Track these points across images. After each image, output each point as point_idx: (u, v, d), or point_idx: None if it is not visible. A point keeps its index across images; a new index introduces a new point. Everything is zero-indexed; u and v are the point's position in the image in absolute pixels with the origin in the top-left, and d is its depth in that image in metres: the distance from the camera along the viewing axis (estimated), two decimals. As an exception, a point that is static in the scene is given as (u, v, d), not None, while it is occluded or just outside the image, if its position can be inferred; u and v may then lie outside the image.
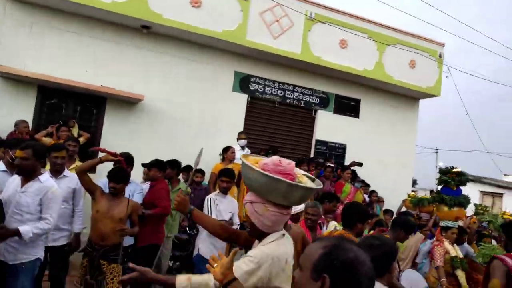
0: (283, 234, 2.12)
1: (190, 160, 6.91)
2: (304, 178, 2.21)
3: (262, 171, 2.00)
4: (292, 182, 2.01)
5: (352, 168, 8.29)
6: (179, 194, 2.43)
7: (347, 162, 9.15)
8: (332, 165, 8.14)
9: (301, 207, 4.71)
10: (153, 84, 7.57)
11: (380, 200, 8.66)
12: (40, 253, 3.37)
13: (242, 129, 8.08)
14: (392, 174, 9.51)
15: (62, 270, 4.22)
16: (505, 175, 24.56)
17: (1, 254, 3.17)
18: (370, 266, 1.29)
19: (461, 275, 5.03)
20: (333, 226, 4.81)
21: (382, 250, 2.25)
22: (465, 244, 5.97)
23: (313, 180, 2.28)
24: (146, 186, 5.12)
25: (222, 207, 4.62)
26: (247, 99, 8.42)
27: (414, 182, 13.09)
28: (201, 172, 6.51)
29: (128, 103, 7.42)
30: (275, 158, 2.10)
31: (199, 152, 2.78)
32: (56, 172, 4.14)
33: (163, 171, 5.03)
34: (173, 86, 7.75)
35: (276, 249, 1.99)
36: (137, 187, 4.95)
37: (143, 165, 5.62)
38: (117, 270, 3.73)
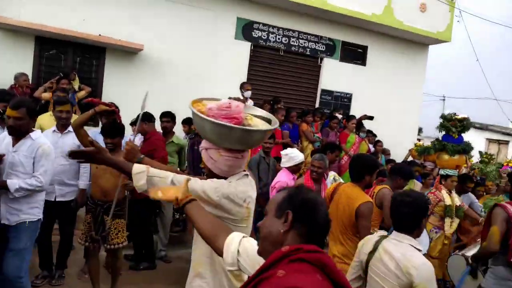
0: (246, 175, 2.13)
1: (189, 113, 6.90)
2: (254, 120, 2.17)
3: (212, 120, 1.94)
4: (246, 128, 1.99)
5: (363, 121, 8.19)
6: (127, 142, 2.29)
7: (352, 111, 9.02)
8: (339, 116, 8.01)
9: (300, 158, 4.69)
10: (153, 33, 7.30)
11: (387, 153, 8.62)
12: (41, 215, 3.36)
13: (245, 79, 7.89)
14: (398, 122, 9.39)
15: (70, 224, 4.30)
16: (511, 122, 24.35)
17: (4, 217, 3.17)
18: (326, 212, 1.40)
19: (447, 223, 5.11)
20: (332, 176, 4.84)
21: (414, 206, 2.27)
22: (470, 194, 5.99)
23: (269, 121, 2.22)
24: (138, 138, 5.05)
25: None
26: (250, 47, 8.15)
27: (420, 130, 13.00)
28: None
29: (128, 53, 7.21)
30: (223, 101, 2.04)
31: (144, 95, 2.68)
32: (62, 127, 4.08)
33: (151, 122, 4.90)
34: (174, 34, 7.49)
35: (235, 187, 1.99)
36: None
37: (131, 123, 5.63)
38: (121, 225, 3.78)
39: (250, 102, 7.49)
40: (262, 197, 4.67)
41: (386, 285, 2.25)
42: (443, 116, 5.81)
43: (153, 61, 7.38)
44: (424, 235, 4.61)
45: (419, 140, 12.55)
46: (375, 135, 8.55)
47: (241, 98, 7.36)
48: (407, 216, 2.29)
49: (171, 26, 7.46)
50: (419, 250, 2.28)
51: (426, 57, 9.95)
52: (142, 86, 7.24)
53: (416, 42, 9.59)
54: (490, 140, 17.64)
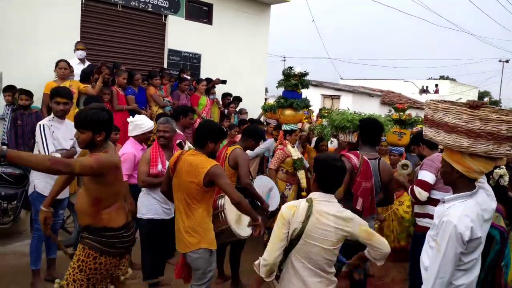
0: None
1: (9, 81, 5.70)
2: None
3: None
4: None
5: (216, 85, 8.02)
6: None
7: (202, 72, 8.80)
8: (188, 77, 7.70)
9: (148, 126, 4.25)
10: None
11: (243, 112, 8.70)
12: None
13: (78, 38, 6.84)
14: (246, 82, 9.53)
15: None
16: (341, 78, 27.77)
17: None
18: None
19: (302, 176, 5.47)
20: (187, 147, 4.57)
21: (343, 170, 2.53)
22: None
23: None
24: None
25: (60, 134, 3.87)
26: (81, 1, 7.03)
27: (265, 90, 13.65)
28: (28, 93, 5.32)
29: None
30: None
31: None
32: None
33: None
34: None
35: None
36: None
37: None
38: None
39: (87, 64, 6.59)
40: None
41: (325, 245, 2.38)
42: (284, 73, 6.00)
43: None
44: (276, 194, 4.79)
45: (266, 99, 13.18)
46: (231, 96, 8.49)
47: (78, 61, 6.42)
48: (337, 178, 2.50)
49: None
50: None
51: (269, 17, 10.22)
52: None
53: (258, 1, 9.72)
54: (324, 96, 19.71)
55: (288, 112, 5.87)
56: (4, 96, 5.64)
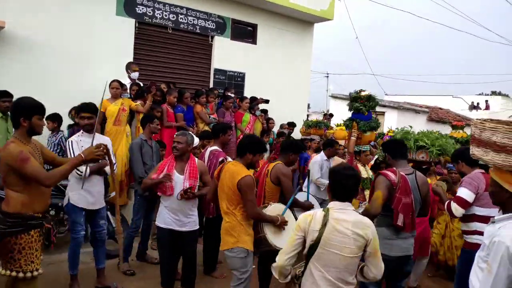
0: None
1: (69, 100, 6.13)
2: None
3: None
4: None
5: (259, 104, 8.24)
6: None
7: (246, 90, 9.03)
8: (232, 95, 7.93)
9: (195, 142, 4.40)
10: (17, 7, 6.26)
11: (284, 127, 8.84)
12: None
13: (131, 60, 7.29)
14: (289, 99, 9.66)
15: None
16: (386, 94, 27.19)
17: None
18: None
19: (367, 194, 5.49)
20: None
21: (357, 178, 2.57)
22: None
23: None
24: None
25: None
26: (135, 24, 7.52)
27: (308, 106, 13.72)
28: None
29: (-16, 31, 6.08)
30: None
31: None
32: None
33: None
34: (43, 10, 6.50)
35: None
36: None
37: None
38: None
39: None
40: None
41: (344, 253, 2.39)
42: (350, 96, 5.99)
43: (19, 40, 6.33)
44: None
45: (308, 115, 13.24)
46: (265, 112, 8.67)
47: (129, 80, 6.81)
48: (353, 187, 2.54)
49: (40, 1, 6.47)
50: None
51: (312, 35, 10.35)
52: (7, 70, 6.22)
53: (302, 20, 9.88)
54: (369, 112, 19.39)
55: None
56: (47, 124, 5.55)
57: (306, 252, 2.48)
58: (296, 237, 2.49)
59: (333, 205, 2.51)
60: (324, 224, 2.41)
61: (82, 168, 3.84)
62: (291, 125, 8.87)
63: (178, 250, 3.92)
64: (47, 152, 3.18)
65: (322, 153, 6.17)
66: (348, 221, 2.41)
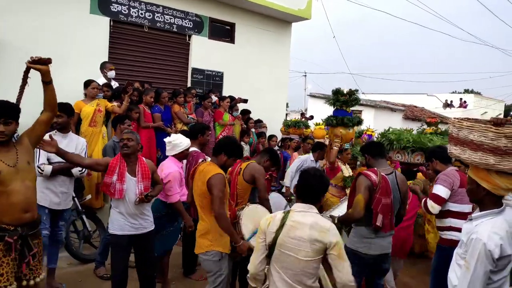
0: None
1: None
2: None
3: None
4: None
5: (238, 104, 8.18)
6: None
7: (225, 90, 8.96)
8: (215, 99, 7.80)
9: (186, 144, 4.28)
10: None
11: (263, 126, 8.83)
12: None
13: (106, 59, 7.11)
14: (268, 98, 9.65)
15: None
16: (363, 93, 27.56)
17: None
18: None
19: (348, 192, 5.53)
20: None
21: (323, 181, 2.52)
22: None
23: None
24: None
25: (62, 147, 3.62)
26: (110, 23, 7.34)
27: (286, 105, 13.77)
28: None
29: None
30: None
31: None
32: None
33: None
34: (15, 11, 6.26)
35: None
36: None
37: None
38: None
39: (114, 84, 6.83)
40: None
41: (300, 256, 2.35)
42: (333, 92, 5.85)
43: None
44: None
45: (286, 114, 13.29)
46: (250, 112, 8.61)
47: (105, 80, 6.64)
48: (317, 189, 2.49)
49: (12, 2, 6.23)
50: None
51: (290, 34, 10.36)
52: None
53: (280, 19, 9.89)
54: (346, 110, 19.60)
55: (339, 130, 5.64)
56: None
57: (267, 253, 2.47)
58: (260, 240, 2.49)
59: (296, 207, 2.50)
60: (281, 226, 2.40)
61: (44, 166, 3.86)
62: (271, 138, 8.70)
63: (135, 253, 3.77)
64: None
65: (311, 154, 6.22)
66: (306, 224, 2.37)
